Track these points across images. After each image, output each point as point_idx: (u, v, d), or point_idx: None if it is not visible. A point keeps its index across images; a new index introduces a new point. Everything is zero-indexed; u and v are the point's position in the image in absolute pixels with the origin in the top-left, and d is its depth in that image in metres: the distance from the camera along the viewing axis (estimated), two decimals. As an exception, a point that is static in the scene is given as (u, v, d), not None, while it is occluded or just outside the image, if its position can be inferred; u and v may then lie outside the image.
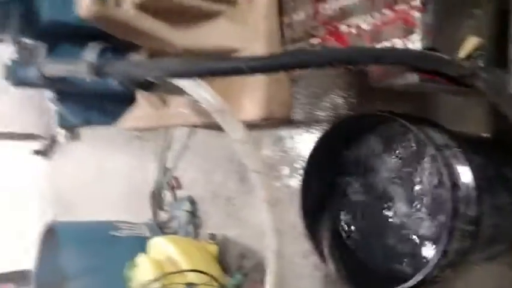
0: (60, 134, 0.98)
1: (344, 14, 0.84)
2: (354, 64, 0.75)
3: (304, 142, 1.46)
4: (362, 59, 0.70)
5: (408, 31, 0.73)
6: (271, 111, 0.99)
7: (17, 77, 0.90)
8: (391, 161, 1.05)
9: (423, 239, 0.98)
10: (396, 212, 1.03)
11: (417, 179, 1.00)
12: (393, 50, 0.74)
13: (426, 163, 0.97)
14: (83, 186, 3.00)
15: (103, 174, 2.78)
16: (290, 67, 0.76)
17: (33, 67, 0.88)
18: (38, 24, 0.91)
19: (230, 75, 0.74)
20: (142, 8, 0.86)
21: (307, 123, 1.41)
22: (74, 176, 3.12)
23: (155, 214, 2.28)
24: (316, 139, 1.06)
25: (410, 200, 1.00)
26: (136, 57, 0.98)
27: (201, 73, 0.71)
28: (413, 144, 1.01)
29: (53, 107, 0.99)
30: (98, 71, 0.70)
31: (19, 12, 0.87)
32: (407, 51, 0.73)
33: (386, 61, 0.72)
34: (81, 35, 0.93)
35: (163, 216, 2.24)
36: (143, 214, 2.26)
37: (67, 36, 0.93)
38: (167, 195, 2.21)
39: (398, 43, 0.75)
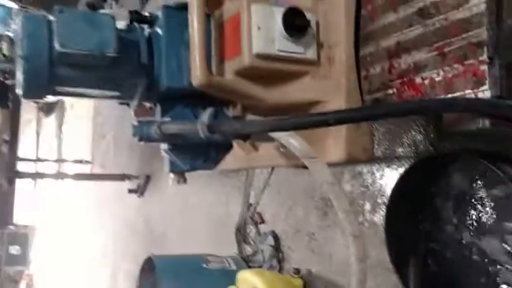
0: (171, 178, 1.17)
1: (418, 68, 0.93)
2: (429, 113, 0.84)
3: (385, 178, 1.46)
4: (435, 109, 0.79)
5: (478, 82, 0.81)
6: (352, 154, 1.09)
7: (141, 134, 1.11)
8: (472, 197, 1.08)
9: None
10: (482, 246, 1.05)
11: (499, 213, 1.03)
12: (464, 99, 0.82)
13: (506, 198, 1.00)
14: (171, 221, 3.17)
15: (189, 209, 2.90)
16: (370, 118, 0.87)
17: (154, 126, 1.08)
18: (157, 91, 1.12)
19: (319, 127, 0.87)
20: (239, 74, 1.05)
21: (387, 159, 1.43)
22: (163, 212, 3.33)
23: (240, 248, 2.37)
24: (398, 175, 1.12)
25: (499, 236, 1.02)
26: (232, 111, 1.15)
27: (294, 127, 0.85)
28: (494, 181, 1.04)
29: (166, 156, 1.19)
30: (211, 129, 0.87)
31: (143, 83, 1.09)
32: (477, 100, 0.80)
33: (457, 109, 0.80)
34: (190, 96, 1.13)
35: (247, 250, 2.34)
36: (228, 248, 2.34)
37: (179, 98, 1.13)
38: (252, 230, 2.31)
39: (470, 93, 0.83)
